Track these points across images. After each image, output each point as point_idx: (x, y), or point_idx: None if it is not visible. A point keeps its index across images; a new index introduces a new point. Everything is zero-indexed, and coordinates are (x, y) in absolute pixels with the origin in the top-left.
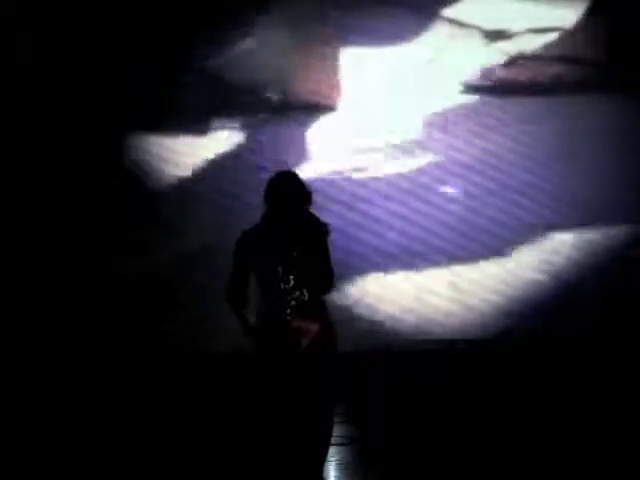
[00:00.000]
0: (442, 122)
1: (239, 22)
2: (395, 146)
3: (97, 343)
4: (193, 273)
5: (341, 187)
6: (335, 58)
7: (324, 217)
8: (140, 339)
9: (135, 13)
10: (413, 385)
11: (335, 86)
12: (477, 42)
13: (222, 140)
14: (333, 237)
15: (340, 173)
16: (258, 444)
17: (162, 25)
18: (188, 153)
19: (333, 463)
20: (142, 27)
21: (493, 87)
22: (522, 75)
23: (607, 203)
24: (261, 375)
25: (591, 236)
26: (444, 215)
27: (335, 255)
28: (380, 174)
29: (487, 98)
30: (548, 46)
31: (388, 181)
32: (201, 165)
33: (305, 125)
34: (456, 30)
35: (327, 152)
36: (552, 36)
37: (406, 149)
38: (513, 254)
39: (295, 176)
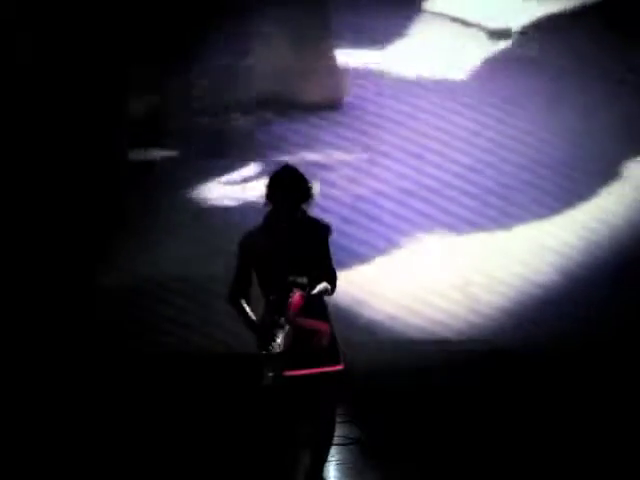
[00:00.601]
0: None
1: (245, 23)
2: (398, 145)
3: (97, 343)
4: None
5: (342, 187)
6: (338, 58)
7: (325, 216)
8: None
9: (139, 11)
10: (413, 385)
11: (340, 86)
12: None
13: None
14: (334, 237)
15: (345, 169)
16: (258, 444)
17: (162, 24)
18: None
19: (333, 463)
20: (145, 25)
21: None
22: None
23: None
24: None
25: (599, 234)
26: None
27: (336, 255)
28: (382, 175)
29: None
30: None
31: (390, 181)
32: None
33: (310, 124)
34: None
35: (330, 151)
36: None
37: (408, 148)
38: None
39: (296, 171)
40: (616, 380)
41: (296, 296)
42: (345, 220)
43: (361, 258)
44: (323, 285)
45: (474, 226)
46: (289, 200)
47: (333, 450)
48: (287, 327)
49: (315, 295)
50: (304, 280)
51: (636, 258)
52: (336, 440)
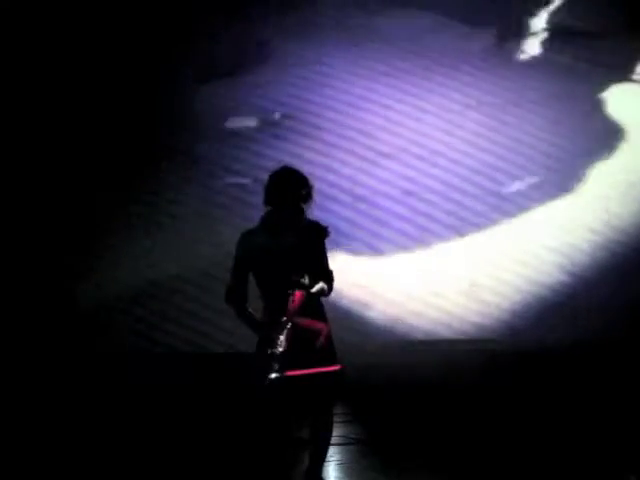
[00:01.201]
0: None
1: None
2: (401, 146)
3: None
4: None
5: (343, 185)
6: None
7: (327, 214)
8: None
9: (146, 9)
10: (413, 385)
11: None
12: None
13: None
14: (337, 239)
15: (345, 169)
16: (257, 443)
17: (164, 23)
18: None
19: (333, 463)
20: (149, 24)
21: None
22: None
23: None
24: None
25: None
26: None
27: (337, 255)
28: (385, 176)
29: None
30: None
31: (390, 182)
32: None
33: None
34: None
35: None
36: None
37: (412, 150)
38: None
39: (296, 172)
40: (623, 379)
41: (296, 296)
42: (348, 221)
43: (365, 259)
44: (320, 285)
45: (478, 227)
46: (288, 201)
47: (333, 450)
48: (288, 327)
49: (314, 295)
50: (305, 280)
51: None
52: (336, 440)
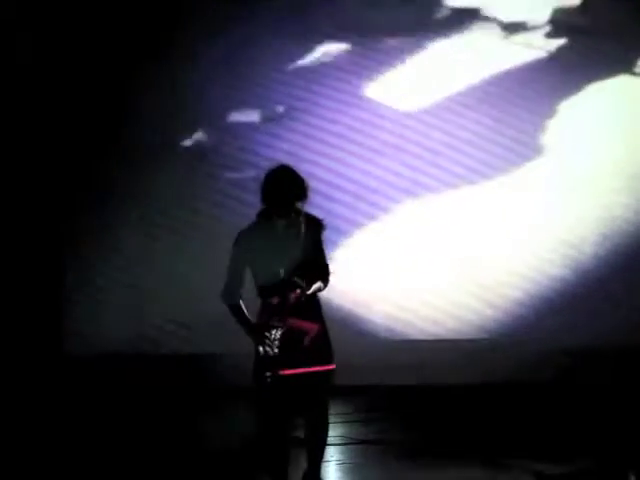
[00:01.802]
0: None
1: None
2: (399, 143)
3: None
4: None
5: (342, 185)
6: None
7: (327, 214)
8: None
9: (143, 10)
10: (413, 385)
11: None
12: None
13: None
14: (336, 237)
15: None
16: (254, 443)
17: (164, 23)
18: None
19: (333, 463)
20: (148, 24)
21: None
22: None
23: None
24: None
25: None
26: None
27: (337, 254)
28: (383, 175)
29: None
30: None
31: (391, 180)
32: None
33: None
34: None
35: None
36: None
37: (410, 148)
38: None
39: (292, 170)
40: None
41: (292, 296)
42: (348, 221)
43: (365, 259)
44: (317, 285)
45: (479, 227)
46: (285, 199)
47: (333, 450)
48: (284, 327)
49: (310, 294)
50: (302, 280)
51: None
52: (336, 440)
